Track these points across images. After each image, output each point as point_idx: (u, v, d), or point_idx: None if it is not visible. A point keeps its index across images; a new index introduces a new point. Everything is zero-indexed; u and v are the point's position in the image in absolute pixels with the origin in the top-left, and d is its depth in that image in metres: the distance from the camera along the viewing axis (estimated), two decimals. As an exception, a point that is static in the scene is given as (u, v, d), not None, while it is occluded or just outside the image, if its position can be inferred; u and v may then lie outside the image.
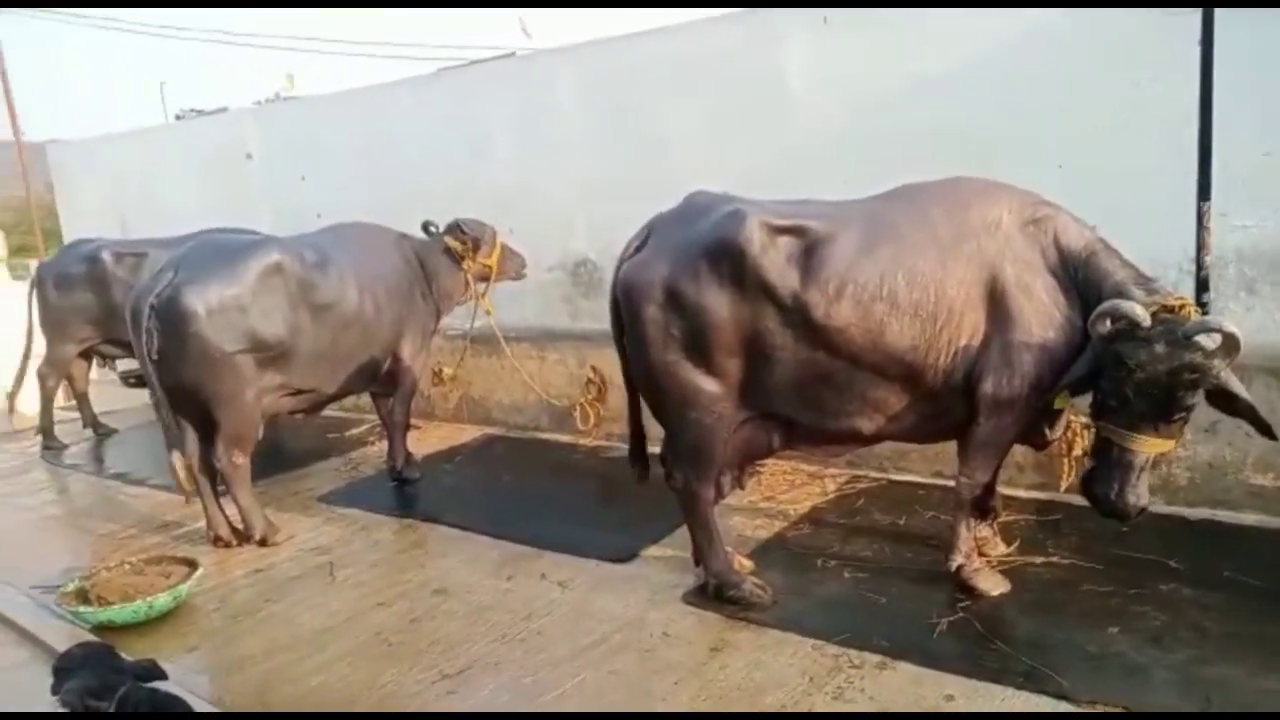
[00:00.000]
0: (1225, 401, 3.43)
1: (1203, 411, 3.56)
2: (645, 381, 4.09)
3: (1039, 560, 4.21)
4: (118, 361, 8.42)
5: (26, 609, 4.60)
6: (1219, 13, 4.38)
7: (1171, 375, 3.28)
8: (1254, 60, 4.41)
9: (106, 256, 7.42)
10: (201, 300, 4.89)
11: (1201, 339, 3.28)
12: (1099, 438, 3.62)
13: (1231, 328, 3.27)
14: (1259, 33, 4.40)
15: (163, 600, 4.37)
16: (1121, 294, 3.48)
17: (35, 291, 7.62)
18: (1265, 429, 3.45)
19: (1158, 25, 4.60)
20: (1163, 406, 3.36)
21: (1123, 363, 3.34)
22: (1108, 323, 3.41)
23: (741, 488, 4.45)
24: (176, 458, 5.04)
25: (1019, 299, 3.65)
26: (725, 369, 3.89)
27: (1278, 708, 3.05)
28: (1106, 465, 3.55)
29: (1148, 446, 3.44)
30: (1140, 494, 3.50)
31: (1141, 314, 3.32)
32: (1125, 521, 3.62)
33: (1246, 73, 4.41)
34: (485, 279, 6.30)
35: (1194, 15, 4.48)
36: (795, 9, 5.75)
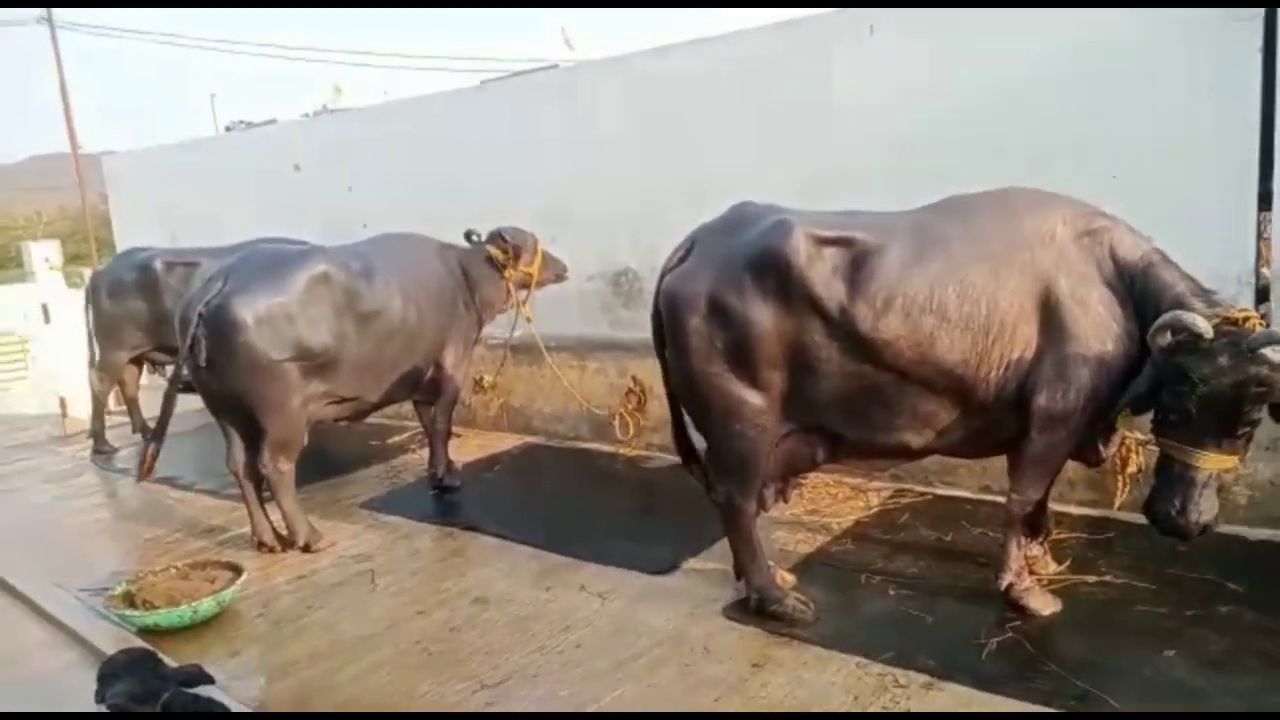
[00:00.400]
0: None
1: (1264, 428, 3.43)
2: (688, 393, 4.05)
3: (1091, 579, 4.09)
4: (168, 368, 8.57)
5: (77, 611, 4.68)
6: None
7: (1236, 388, 3.18)
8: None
9: (158, 265, 7.57)
10: (250, 309, 4.96)
11: (1268, 351, 3.17)
12: (1161, 454, 3.51)
13: None
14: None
15: (207, 605, 4.42)
16: (1182, 306, 3.38)
17: (89, 299, 7.80)
18: None
19: (1218, 31, 4.48)
20: (1226, 421, 3.26)
21: (1186, 376, 3.24)
22: (1169, 335, 3.31)
23: (785, 501, 4.39)
24: (152, 449, 5.36)
25: (1074, 311, 3.56)
26: (769, 382, 3.84)
27: (1347, 739, 2.93)
28: (1168, 482, 3.45)
29: (1210, 463, 3.34)
30: (1203, 511, 3.38)
31: (1204, 326, 3.22)
32: (1187, 540, 3.51)
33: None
34: (526, 286, 6.31)
35: (1256, 20, 4.35)
36: (844, 9, 5.69)
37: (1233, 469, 3.52)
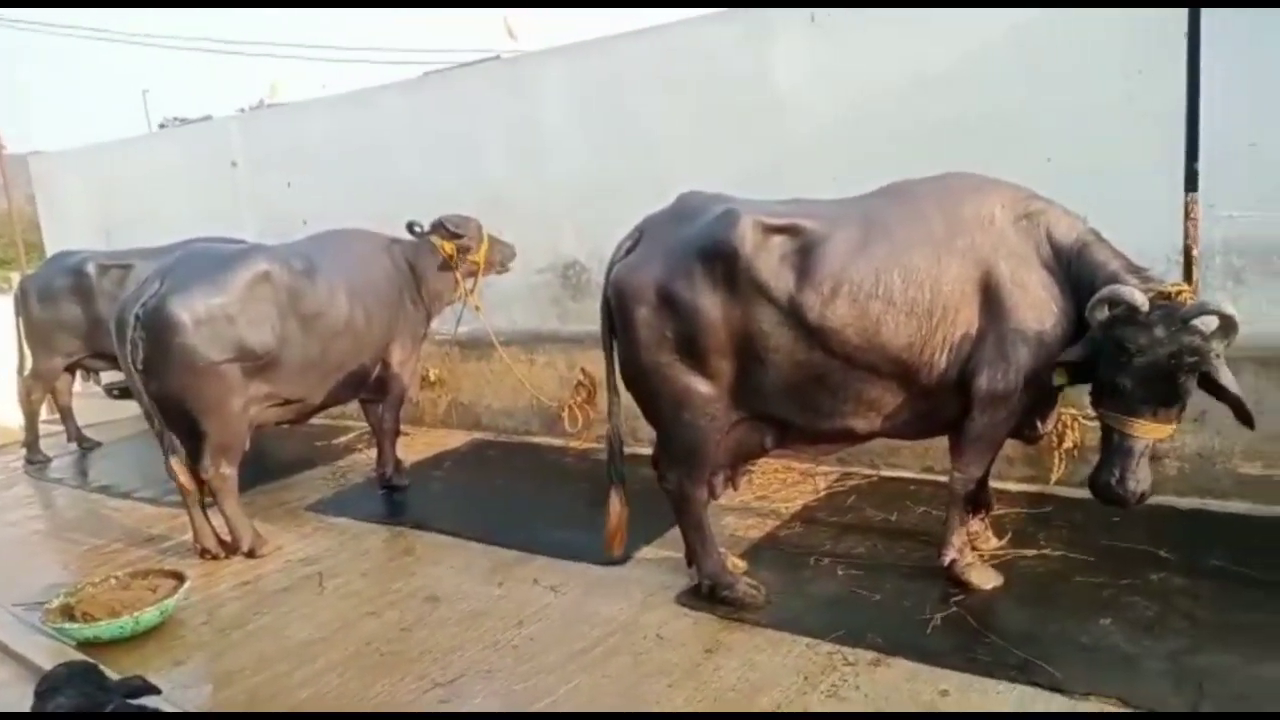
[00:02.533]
0: (1214, 388, 3.44)
1: (1191, 402, 3.56)
2: (638, 383, 4.06)
3: (1030, 553, 4.21)
4: (102, 375, 8.36)
5: (10, 626, 4.53)
6: (1207, 8, 4.38)
7: (1171, 358, 3.30)
8: (1240, 53, 4.42)
9: (91, 269, 7.37)
10: (188, 310, 4.85)
11: (1199, 322, 3.30)
12: (1102, 426, 3.61)
13: (1229, 309, 3.30)
14: (1245, 25, 4.41)
15: (149, 615, 4.32)
16: (1117, 281, 3.49)
17: (19, 305, 7.55)
18: (1247, 418, 3.46)
19: (1147, 19, 4.61)
20: (1162, 390, 3.38)
21: (1123, 347, 3.35)
22: (1106, 309, 3.41)
23: (735, 488, 4.43)
24: (175, 462, 4.99)
25: (1014, 293, 3.64)
26: (719, 370, 3.87)
27: (1270, 695, 3.05)
28: (1107, 452, 3.55)
29: (1147, 431, 3.45)
30: (1141, 480, 3.50)
31: (1140, 299, 3.34)
32: (1126, 508, 3.62)
33: (1233, 65, 4.42)
34: (474, 274, 6.23)
35: (1180, 9, 4.49)
36: (783, 9, 5.74)
37: (1167, 437, 3.63)
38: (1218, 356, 3.34)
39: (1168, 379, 3.34)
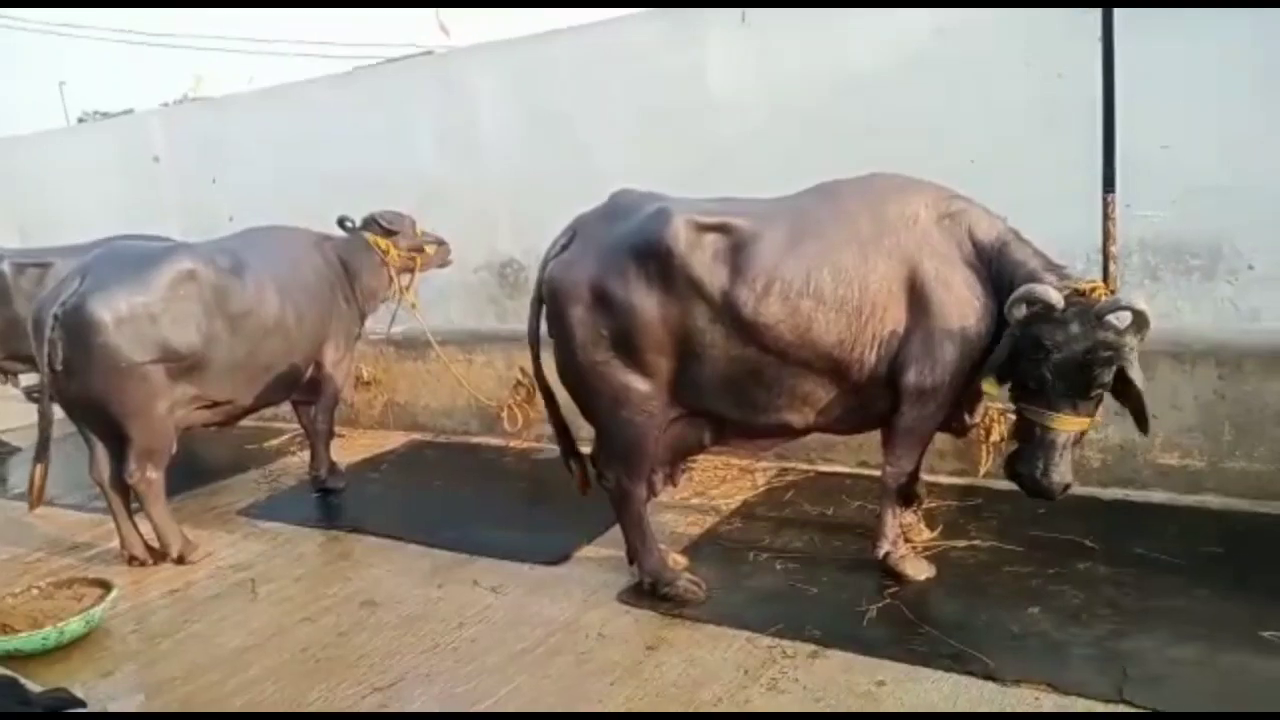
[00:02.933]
0: (1121, 386, 3.56)
1: (1113, 397, 3.69)
2: (574, 382, 4.06)
3: (962, 544, 4.32)
4: (20, 377, 8.02)
5: (-76, 641, 4.34)
6: (1120, 11, 4.54)
7: (1087, 354, 3.41)
8: (1153, 56, 4.59)
9: (6, 267, 7.05)
10: (109, 309, 4.68)
11: (1113, 317, 3.42)
12: (1020, 420, 3.73)
13: (1142, 305, 3.42)
14: (1158, 30, 4.58)
15: (74, 625, 4.17)
16: (1035, 280, 3.59)
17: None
18: (1143, 421, 3.60)
19: (1066, 23, 4.77)
20: (1080, 385, 3.49)
21: (1040, 344, 3.45)
22: (1024, 307, 3.51)
23: (674, 485, 4.46)
24: (39, 469, 4.85)
25: (938, 291, 3.74)
26: (655, 367, 3.89)
27: (1187, 677, 3.19)
28: (1029, 446, 3.66)
29: (1067, 425, 3.57)
30: (1063, 472, 3.61)
31: (1055, 297, 3.44)
32: (1050, 500, 3.73)
33: (1146, 68, 4.59)
34: (409, 270, 6.14)
35: (1095, 11, 4.64)
36: (714, 8, 5.79)
37: (1087, 430, 3.76)
38: (1132, 350, 3.47)
39: (1084, 373, 3.45)
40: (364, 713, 3.41)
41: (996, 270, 3.77)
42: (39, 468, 4.86)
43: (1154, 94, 4.61)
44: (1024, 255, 3.75)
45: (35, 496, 4.90)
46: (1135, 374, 3.51)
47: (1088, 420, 3.64)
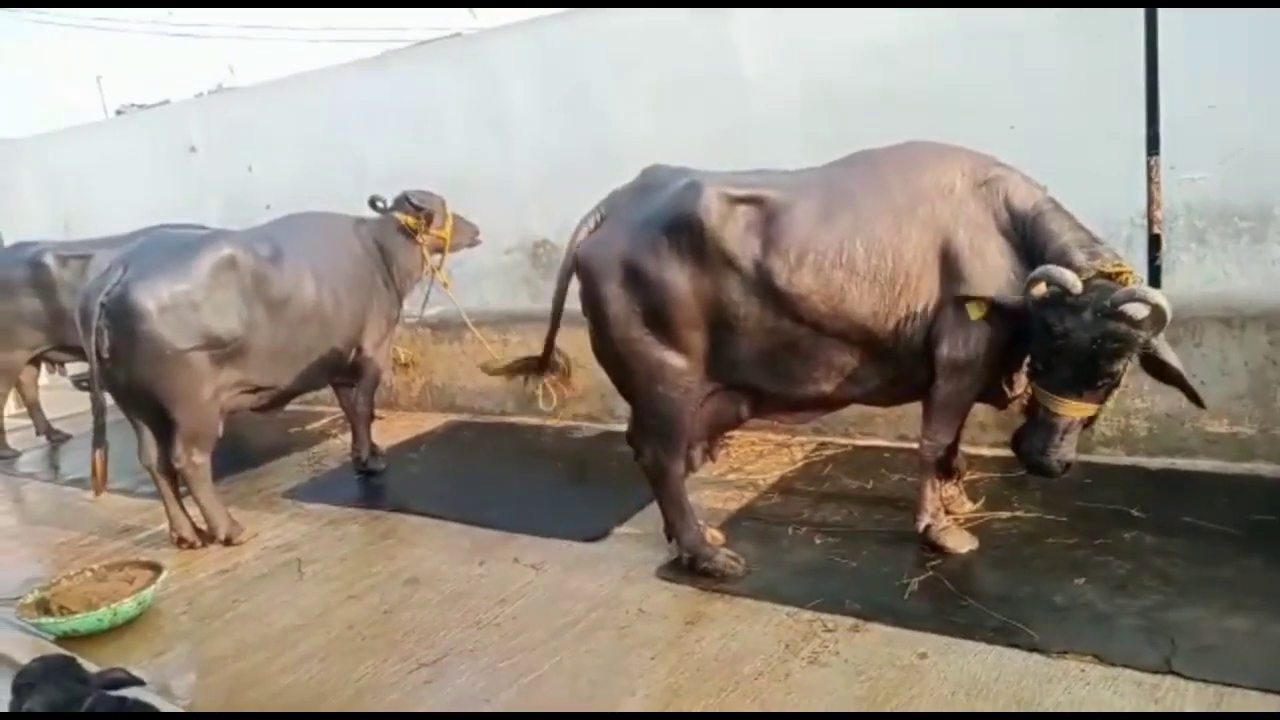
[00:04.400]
0: (1156, 367, 3.47)
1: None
2: (610, 360, 4.06)
3: (1005, 516, 4.26)
4: (67, 366, 8.22)
5: (-15, 623, 4.48)
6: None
7: (1095, 343, 3.30)
8: (1197, 14, 4.45)
9: (50, 260, 7.20)
10: (153, 297, 4.77)
11: (1129, 308, 3.26)
12: (1030, 396, 3.65)
13: (1160, 299, 3.24)
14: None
15: (127, 606, 4.28)
16: (1065, 256, 3.49)
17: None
18: (1194, 397, 3.51)
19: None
20: (1086, 373, 3.40)
21: (1049, 329, 3.37)
22: (1041, 287, 3.43)
23: (712, 459, 4.46)
24: (98, 455, 4.94)
25: (972, 262, 3.65)
26: (690, 343, 3.87)
27: (1241, 648, 3.12)
28: (1033, 424, 3.60)
29: (1070, 410, 3.48)
30: (1064, 452, 3.53)
31: (1072, 280, 3.32)
32: (1051, 478, 3.66)
33: (1190, 26, 4.45)
34: (439, 250, 6.15)
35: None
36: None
37: (1095, 415, 3.64)
38: (1146, 343, 3.33)
39: (1091, 362, 3.35)
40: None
41: (1030, 242, 3.67)
42: (99, 454, 4.96)
43: (1199, 53, 4.47)
44: (1058, 227, 3.61)
45: (99, 482, 5.01)
46: (1169, 356, 3.41)
47: (1094, 407, 3.53)
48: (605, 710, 3.26)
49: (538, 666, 3.56)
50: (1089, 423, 3.67)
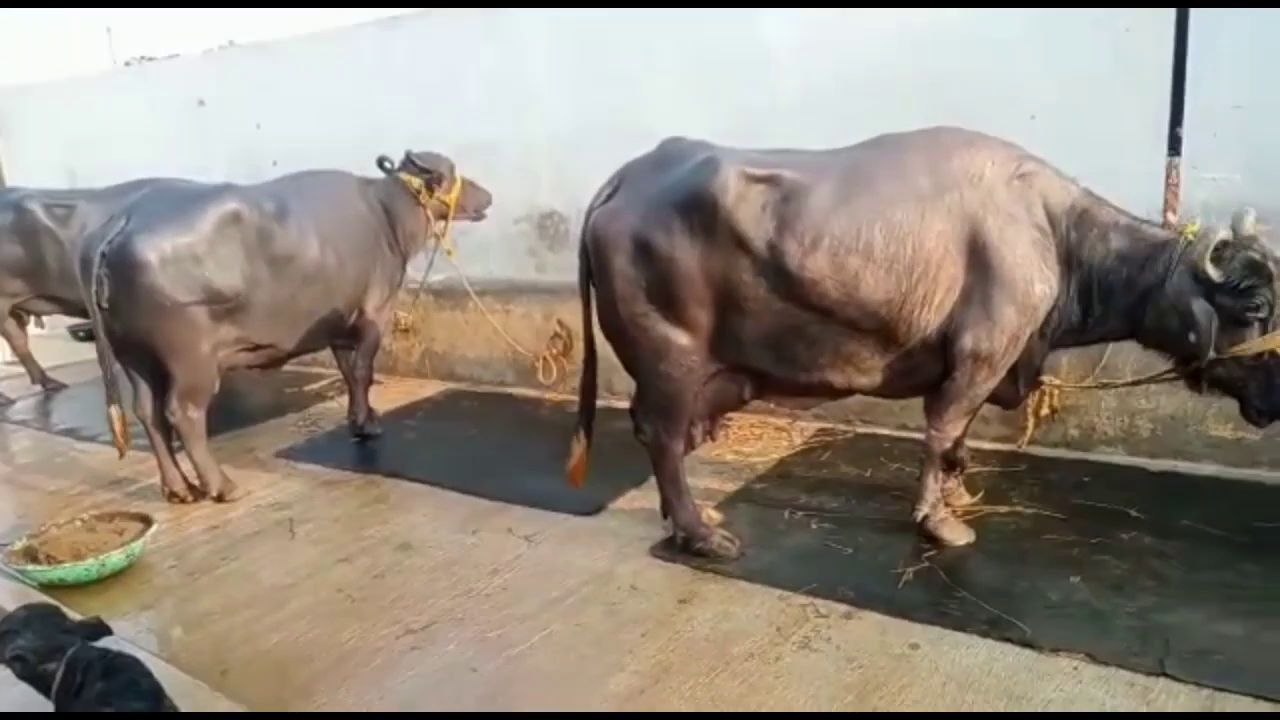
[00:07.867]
0: None
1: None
2: (615, 334, 4.01)
3: (1003, 510, 4.24)
4: (43, 318, 8.12)
5: (-28, 568, 4.46)
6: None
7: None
8: (1226, 11, 4.37)
9: (35, 207, 7.10)
10: (154, 249, 4.71)
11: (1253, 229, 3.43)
12: (1244, 366, 3.50)
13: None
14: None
15: (116, 558, 4.26)
16: (1139, 231, 3.60)
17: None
18: None
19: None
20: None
21: (1260, 266, 3.35)
22: (1212, 243, 3.38)
23: (713, 439, 4.43)
24: (115, 411, 4.88)
25: (1002, 252, 3.58)
26: (697, 321, 3.82)
27: (1234, 652, 3.10)
28: (1270, 383, 3.47)
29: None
30: None
31: (1249, 221, 3.40)
32: None
33: (1219, 23, 4.38)
34: (444, 216, 6.04)
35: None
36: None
37: None
38: None
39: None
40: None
41: (1078, 237, 3.61)
42: (114, 409, 4.89)
43: (1226, 51, 4.40)
44: (1110, 214, 3.65)
45: (120, 441, 4.96)
46: None
47: None
48: (594, 684, 3.23)
49: (527, 638, 3.54)
50: None
